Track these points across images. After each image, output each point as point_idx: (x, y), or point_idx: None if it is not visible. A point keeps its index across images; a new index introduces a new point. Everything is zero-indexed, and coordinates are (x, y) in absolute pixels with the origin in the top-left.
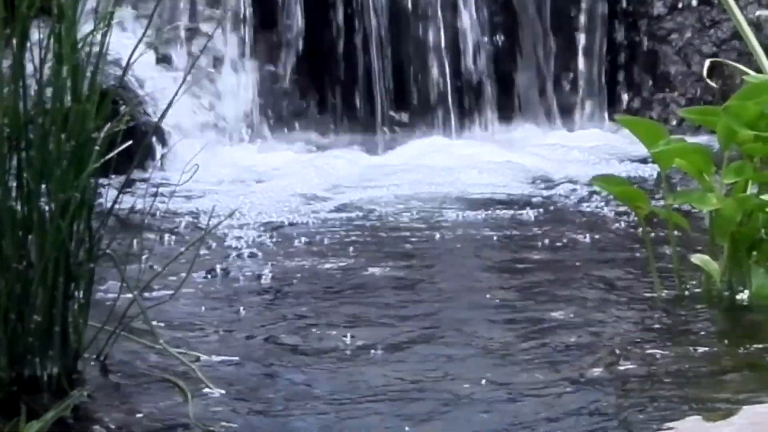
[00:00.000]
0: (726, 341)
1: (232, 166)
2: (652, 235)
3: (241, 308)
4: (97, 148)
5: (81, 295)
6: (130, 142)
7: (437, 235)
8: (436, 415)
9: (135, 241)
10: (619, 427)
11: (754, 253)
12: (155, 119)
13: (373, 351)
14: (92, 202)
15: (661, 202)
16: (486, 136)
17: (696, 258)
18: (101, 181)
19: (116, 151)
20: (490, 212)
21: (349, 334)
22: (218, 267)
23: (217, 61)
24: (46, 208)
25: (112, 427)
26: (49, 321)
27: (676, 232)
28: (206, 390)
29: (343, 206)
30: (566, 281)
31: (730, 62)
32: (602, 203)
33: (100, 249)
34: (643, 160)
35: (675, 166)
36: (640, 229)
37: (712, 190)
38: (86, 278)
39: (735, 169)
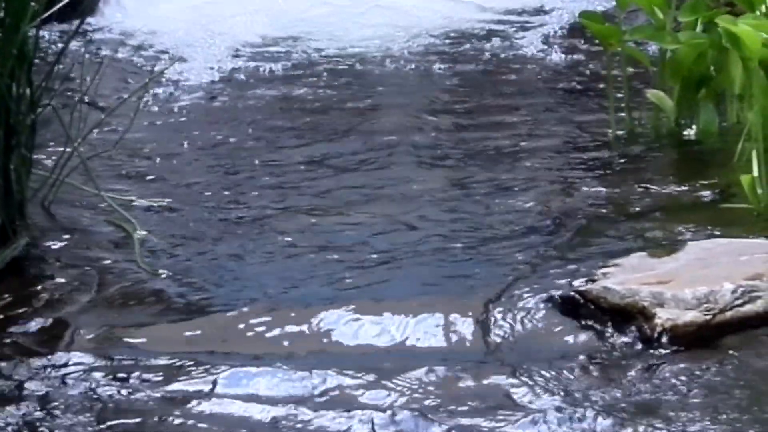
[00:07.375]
0: (671, 178)
1: (178, 12)
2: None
3: (184, 147)
4: None
5: (23, 147)
6: None
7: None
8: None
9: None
10: (565, 263)
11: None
12: None
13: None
14: (32, 55)
15: None
16: None
17: (651, 93)
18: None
19: (58, 6)
20: (442, 42)
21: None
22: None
23: None
24: None
25: (60, 266)
26: None
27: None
28: (145, 234)
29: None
30: (519, 122)
31: None
32: (553, 38)
33: (42, 100)
34: None
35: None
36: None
37: (665, 26)
38: (28, 130)
39: (690, 7)
